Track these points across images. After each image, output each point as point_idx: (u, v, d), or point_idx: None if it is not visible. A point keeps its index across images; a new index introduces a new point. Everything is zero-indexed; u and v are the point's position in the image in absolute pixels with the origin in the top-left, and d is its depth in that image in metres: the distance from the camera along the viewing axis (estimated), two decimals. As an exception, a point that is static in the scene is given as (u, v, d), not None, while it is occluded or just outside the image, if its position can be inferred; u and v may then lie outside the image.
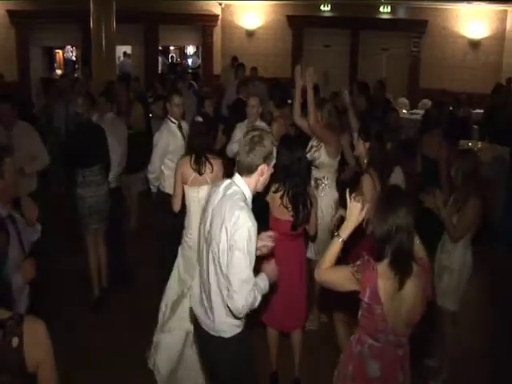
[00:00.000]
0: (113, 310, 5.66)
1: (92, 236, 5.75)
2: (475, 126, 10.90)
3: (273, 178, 3.67)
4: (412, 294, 2.80)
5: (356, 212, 2.85)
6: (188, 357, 4.33)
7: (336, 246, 2.88)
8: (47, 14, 13.86)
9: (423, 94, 14.18)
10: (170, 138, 5.41)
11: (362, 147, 4.42)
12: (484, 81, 13.63)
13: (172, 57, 20.03)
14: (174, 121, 5.52)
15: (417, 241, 2.94)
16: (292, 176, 4.09)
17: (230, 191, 2.91)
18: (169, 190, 5.24)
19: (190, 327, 3.83)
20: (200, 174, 4.46)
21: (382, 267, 2.78)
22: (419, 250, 2.98)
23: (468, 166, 4.43)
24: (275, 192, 4.15)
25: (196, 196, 4.46)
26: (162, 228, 5.45)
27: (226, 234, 2.80)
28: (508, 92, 12.79)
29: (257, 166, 2.91)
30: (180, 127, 5.53)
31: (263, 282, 3.00)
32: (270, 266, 3.11)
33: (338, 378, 3.07)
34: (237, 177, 2.96)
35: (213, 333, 3.04)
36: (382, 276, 2.76)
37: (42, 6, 13.83)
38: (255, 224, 2.83)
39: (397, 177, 4.61)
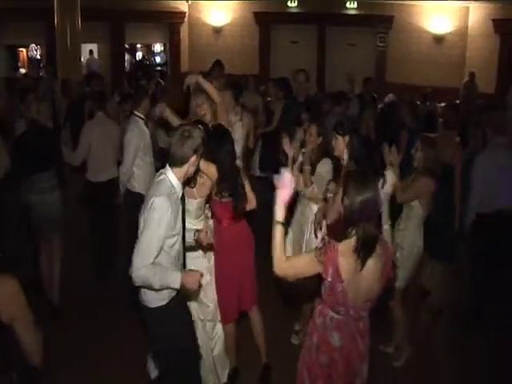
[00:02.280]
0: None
1: (46, 245, 5.44)
2: (441, 120, 11.09)
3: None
4: (372, 271, 2.89)
5: (284, 196, 2.86)
6: None
7: (279, 233, 2.89)
8: (10, 11, 13.58)
9: (389, 88, 14.38)
10: (140, 140, 5.34)
11: (342, 143, 4.45)
12: (448, 75, 13.91)
13: (143, 56, 19.88)
14: (142, 117, 5.45)
15: (385, 225, 3.02)
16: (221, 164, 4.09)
17: (157, 179, 3.31)
18: (139, 189, 5.24)
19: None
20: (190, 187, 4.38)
21: (344, 246, 2.85)
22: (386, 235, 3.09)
23: (429, 152, 4.72)
24: None
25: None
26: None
27: (143, 214, 3.23)
28: (471, 86, 13.11)
29: (188, 158, 3.23)
30: (146, 124, 5.48)
31: (172, 277, 3.16)
32: (194, 277, 3.20)
33: (304, 348, 3.18)
34: (167, 168, 3.30)
35: (142, 302, 3.38)
36: (344, 255, 2.84)
37: (4, 3, 13.55)
38: (169, 211, 3.15)
39: (324, 167, 4.71)
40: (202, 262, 4.14)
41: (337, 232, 3.04)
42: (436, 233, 5.56)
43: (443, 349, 5.38)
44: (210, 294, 4.20)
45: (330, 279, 2.86)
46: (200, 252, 4.15)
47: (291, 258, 2.99)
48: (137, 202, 5.46)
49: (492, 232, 5.31)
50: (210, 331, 4.30)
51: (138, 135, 5.33)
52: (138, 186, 5.37)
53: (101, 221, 6.01)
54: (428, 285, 5.98)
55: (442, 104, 12.76)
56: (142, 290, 3.31)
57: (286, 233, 3.26)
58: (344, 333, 3.01)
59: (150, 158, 5.52)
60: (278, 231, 2.88)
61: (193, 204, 4.10)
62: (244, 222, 4.33)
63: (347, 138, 4.33)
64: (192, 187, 4.12)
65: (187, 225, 3.63)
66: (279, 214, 2.87)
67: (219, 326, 4.29)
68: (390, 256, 3.01)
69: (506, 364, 4.97)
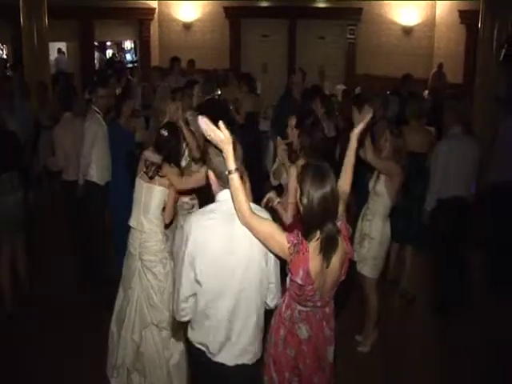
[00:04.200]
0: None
1: (7, 247, 5.41)
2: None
3: None
4: (337, 263, 2.93)
5: (224, 141, 2.66)
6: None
7: (236, 182, 2.70)
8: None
9: (360, 80, 14.51)
10: (98, 129, 5.66)
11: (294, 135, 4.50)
12: (417, 66, 14.04)
13: (113, 53, 19.68)
14: (98, 111, 5.77)
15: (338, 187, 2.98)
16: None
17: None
18: (96, 179, 5.68)
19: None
20: None
21: (311, 249, 2.84)
22: (347, 180, 3.22)
23: (397, 143, 4.87)
24: None
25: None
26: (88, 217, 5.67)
27: None
28: (439, 77, 13.28)
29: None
30: (104, 118, 5.79)
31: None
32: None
33: (269, 343, 3.17)
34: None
35: None
36: (312, 258, 2.84)
37: (-32, 2, 13.33)
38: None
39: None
40: (159, 269, 4.10)
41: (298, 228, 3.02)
42: (408, 220, 5.72)
43: (412, 334, 5.50)
44: (166, 301, 4.08)
45: (300, 282, 2.85)
46: (157, 257, 4.10)
47: (263, 220, 2.81)
48: (94, 191, 5.63)
49: (450, 216, 5.49)
50: (167, 340, 4.16)
51: (96, 127, 5.64)
52: (95, 176, 5.70)
53: (81, 219, 6.00)
54: (399, 273, 6.11)
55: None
56: None
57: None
58: (312, 323, 3.04)
59: (107, 150, 5.79)
60: (236, 180, 2.71)
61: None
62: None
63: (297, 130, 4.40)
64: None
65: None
66: (229, 162, 2.68)
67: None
68: (346, 236, 2.99)
69: (473, 347, 5.10)
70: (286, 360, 3.08)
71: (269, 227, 2.79)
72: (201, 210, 3.00)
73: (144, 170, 4.16)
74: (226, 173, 2.72)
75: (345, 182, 3.27)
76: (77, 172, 5.81)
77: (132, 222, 4.18)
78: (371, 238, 4.84)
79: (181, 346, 4.19)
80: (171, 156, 4.19)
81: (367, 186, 5.06)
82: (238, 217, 2.76)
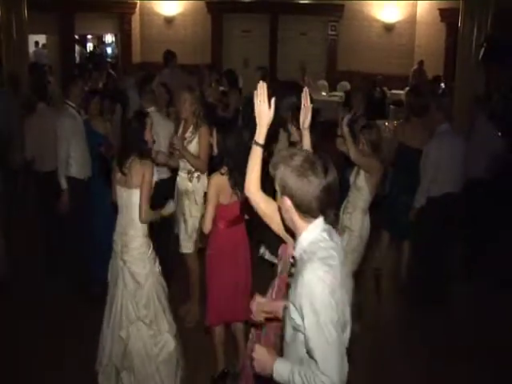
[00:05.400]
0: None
1: None
2: (392, 106, 11.34)
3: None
4: None
5: (264, 114, 2.63)
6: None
7: (256, 155, 2.68)
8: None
9: (341, 76, 14.60)
10: (72, 123, 5.57)
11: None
12: (398, 63, 14.20)
13: (94, 46, 19.52)
14: (72, 105, 5.67)
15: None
16: (232, 157, 4.02)
17: None
18: (75, 174, 5.62)
19: None
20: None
21: None
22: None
23: (371, 136, 4.95)
24: (223, 174, 4.05)
25: None
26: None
27: None
28: (420, 74, 13.41)
29: None
30: (79, 111, 5.70)
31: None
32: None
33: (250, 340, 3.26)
34: None
35: None
36: None
37: None
38: None
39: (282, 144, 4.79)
40: (135, 269, 4.07)
41: None
42: (396, 212, 5.80)
43: (390, 323, 5.57)
44: (150, 298, 4.09)
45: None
46: (137, 258, 4.07)
47: (267, 196, 2.76)
48: (73, 186, 5.60)
49: (440, 214, 5.57)
50: (155, 337, 4.13)
51: (69, 122, 5.56)
52: (73, 171, 5.62)
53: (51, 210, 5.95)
54: (380, 265, 6.18)
55: (393, 91, 13.10)
56: None
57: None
58: None
59: (84, 143, 5.71)
60: (256, 153, 2.68)
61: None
62: (242, 227, 4.26)
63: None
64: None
65: None
66: (261, 137, 2.66)
67: (167, 335, 4.15)
68: None
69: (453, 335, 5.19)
70: None
71: (272, 205, 2.71)
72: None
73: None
74: (257, 142, 2.66)
75: None
76: (53, 163, 5.80)
77: (117, 226, 4.13)
78: (351, 231, 4.91)
79: (170, 342, 4.16)
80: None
81: (348, 180, 5.12)
82: (246, 184, 2.73)
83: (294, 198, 2.18)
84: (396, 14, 14.68)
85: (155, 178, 4.05)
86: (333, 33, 15.22)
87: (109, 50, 19.19)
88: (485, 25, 8.73)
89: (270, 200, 2.74)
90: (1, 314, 5.30)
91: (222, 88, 8.42)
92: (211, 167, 4.23)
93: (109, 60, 16.51)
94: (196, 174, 5.08)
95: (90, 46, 18.97)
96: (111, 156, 5.15)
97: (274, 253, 3.73)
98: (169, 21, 16.14)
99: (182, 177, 5.18)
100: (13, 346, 4.83)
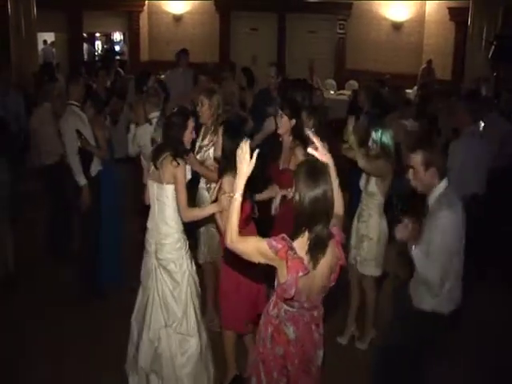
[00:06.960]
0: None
1: None
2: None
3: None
4: (325, 268, 2.88)
5: (245, 164, 2.73)
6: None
7: (236, 206, 2.78)
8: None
9: (349, 75, 14.55)
10: (77, 123, 5.33)
11: (287, 124, 4.50)
12: (406, 62, 14.13)
13: (110, 44, 19.51)
14: (75, 104, 5.48)
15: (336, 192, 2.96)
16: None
17: None
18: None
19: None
20: None
21: (297, 248, 2.81)
22: (338, 206, 3.01)
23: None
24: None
25: None
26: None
27: None
28: (429, 73, 13.35)
29: None
30: (82, 109, 5.51)
31: None
32: None
33: (258, 341, 3.15)
34: None
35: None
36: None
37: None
38: None
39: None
40: (172, 267, 4.00)
41: (286, 224, 3.00)
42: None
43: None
44: (183, 302, 3.99)
45: (285, 285, 2.81)
46: (173, 256, 4.00)
47: (249, 239, 2.87)
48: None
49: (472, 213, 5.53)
50: (184, 344, 4.01)
51: (73, 122, 5.34)
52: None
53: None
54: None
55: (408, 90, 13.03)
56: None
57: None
58: (299, 324, 2.99)
59: (92, 141, 5.53)
60: (236, 204, 2.78)
61: None
62: (252, 226, 4.19)
63: (293, 121, 4.38)
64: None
65: None
66: (238, 190, 2.76)
67: (194, 341, 4.00)
68: (339, 241, 2.95)
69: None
70: (274, 359, 3.04)
71: (251, 245, 2.82)
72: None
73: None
74: (234, 195, 2.78)
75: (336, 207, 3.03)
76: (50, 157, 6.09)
77: (149, 224, 4.06)
78: (370, 239, 4.78)
79: (195, 352, 4.03)
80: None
81: (358, 185, 5.02)
82: (226, 237, 2.81)
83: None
84: (405, 13, 14.61)
85: (188, 176, 4.01)
86: (341, 31, 15.18)
87: (117, 48, 19.20)
88: (494, 23, 8.70)
89: (247, 238, 2.86)
90: (8, 313, 5.28)
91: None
92: (219, 171, 4.09)
93: (117, 58, 16.50)
94: (213, 185, 4.82)
95: (98, 44, 18.96)
96: (88, 150, 5.29)
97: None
98: (177, 19, 16.16)
99: (201, 186, 4.95)
100: (19, 344, 4.84)
